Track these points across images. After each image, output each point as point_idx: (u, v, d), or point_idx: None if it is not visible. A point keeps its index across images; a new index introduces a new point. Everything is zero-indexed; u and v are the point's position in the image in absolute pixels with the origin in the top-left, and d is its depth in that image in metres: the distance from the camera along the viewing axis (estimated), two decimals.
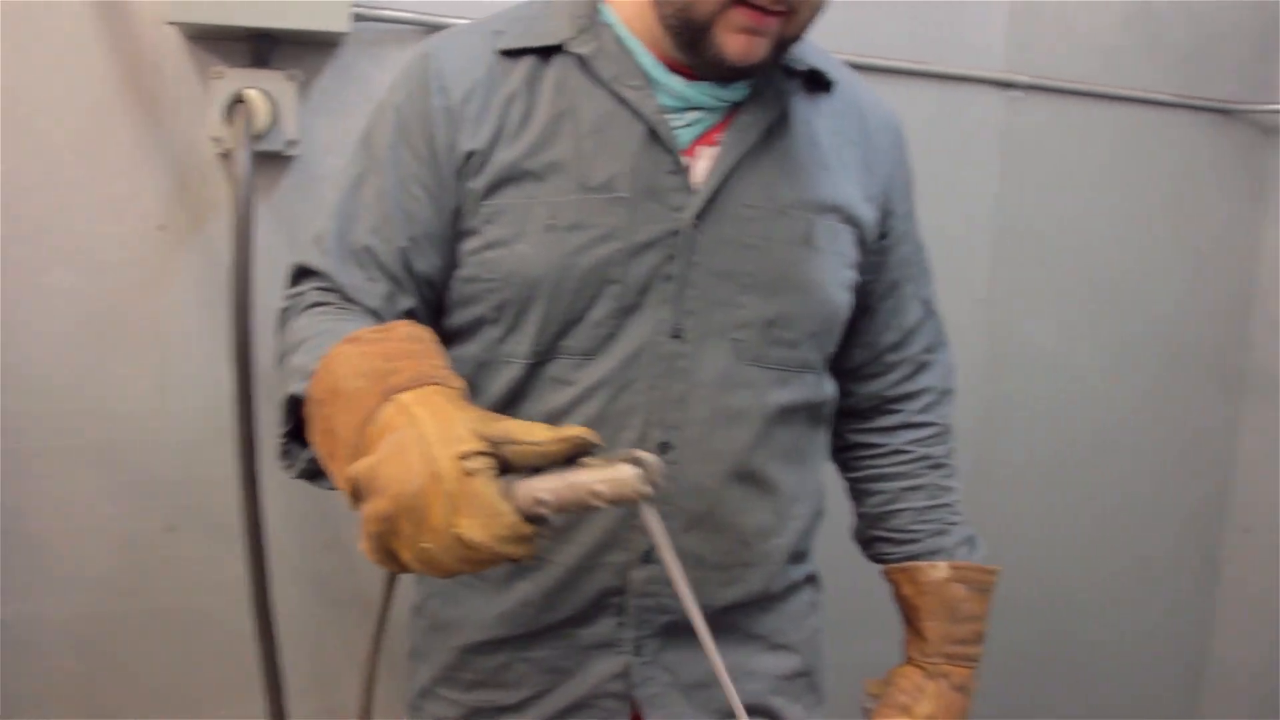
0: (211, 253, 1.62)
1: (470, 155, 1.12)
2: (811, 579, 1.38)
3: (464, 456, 0.81)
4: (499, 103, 1.13)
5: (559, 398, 1.13)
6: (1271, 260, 2.37)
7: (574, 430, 0.85)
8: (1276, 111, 2.29)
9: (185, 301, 1.64)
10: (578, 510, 0.85)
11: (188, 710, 1.72)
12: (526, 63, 1.15)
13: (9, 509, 1.62)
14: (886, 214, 1.29)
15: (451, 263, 1.16)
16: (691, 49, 1.09)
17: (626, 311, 1.12)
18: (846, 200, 1.22)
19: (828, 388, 1.29)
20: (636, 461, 0.83)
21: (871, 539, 1.40)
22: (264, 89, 1.59)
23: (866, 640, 1.57)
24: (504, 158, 1.12)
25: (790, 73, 1.19)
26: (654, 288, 1.12)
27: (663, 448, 1.13)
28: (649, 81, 1.14)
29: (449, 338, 1.19)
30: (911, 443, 1.37)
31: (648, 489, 0.83)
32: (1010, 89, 2.10)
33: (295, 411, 1.00)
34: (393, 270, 1.14)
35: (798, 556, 1.32)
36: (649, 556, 1.14)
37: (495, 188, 1.12)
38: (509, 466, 0.85)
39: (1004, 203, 2.15)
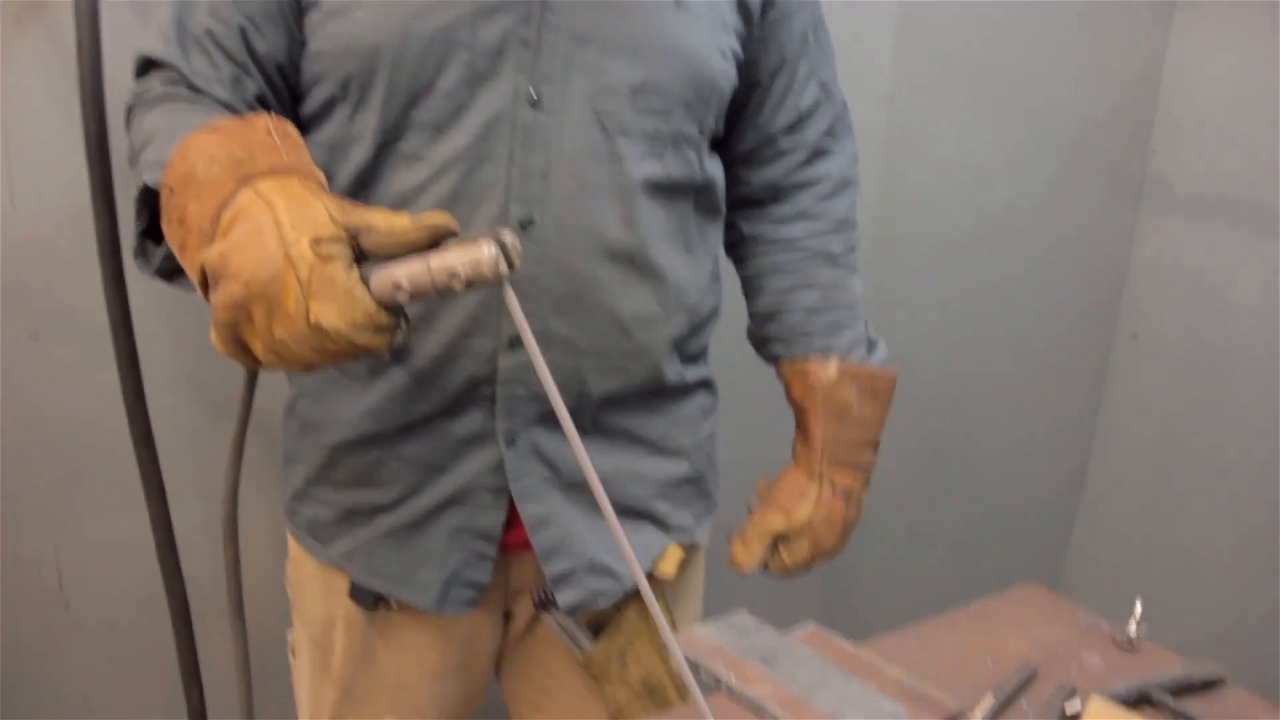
0: (56, 34, 1.47)
1: None
2: (706, 384, 1.36)
3: (320, 241, 0.79)
4: None
5: (412, 176, 1.08)
6: (1176, 68, 2.36)
7: (435, 217, 0.82)
8: None
9: (29, 90, 1.50)
10: (437, 295, 0.82)
11: (69, 521, 1.67)
12: None
13: None
14: None
15: (297, 41, 1.10)
16: None
17: (478, 79, 1.06)
18: None
19: (711, 169, 1.24)
20: (496, 240, 0.80)
21: (764, 338, 1.38)
22: None
23: (763, 444, 1.56)
24: None
25: None
26: (508, 53, 1.05)
27: (525, 225, 1.08)
28: None
29: (305, 126, 1.14)
30: (806, 236, 1.34)
31: (505, 268, 0.81)
32: None
33: (150, 206, 0.96)
34: (235, 54, 1.08)
35: (690, 356, 1.29)
36: (516, 342, 1.11)
37: None
38: (367, 256, 0.83)
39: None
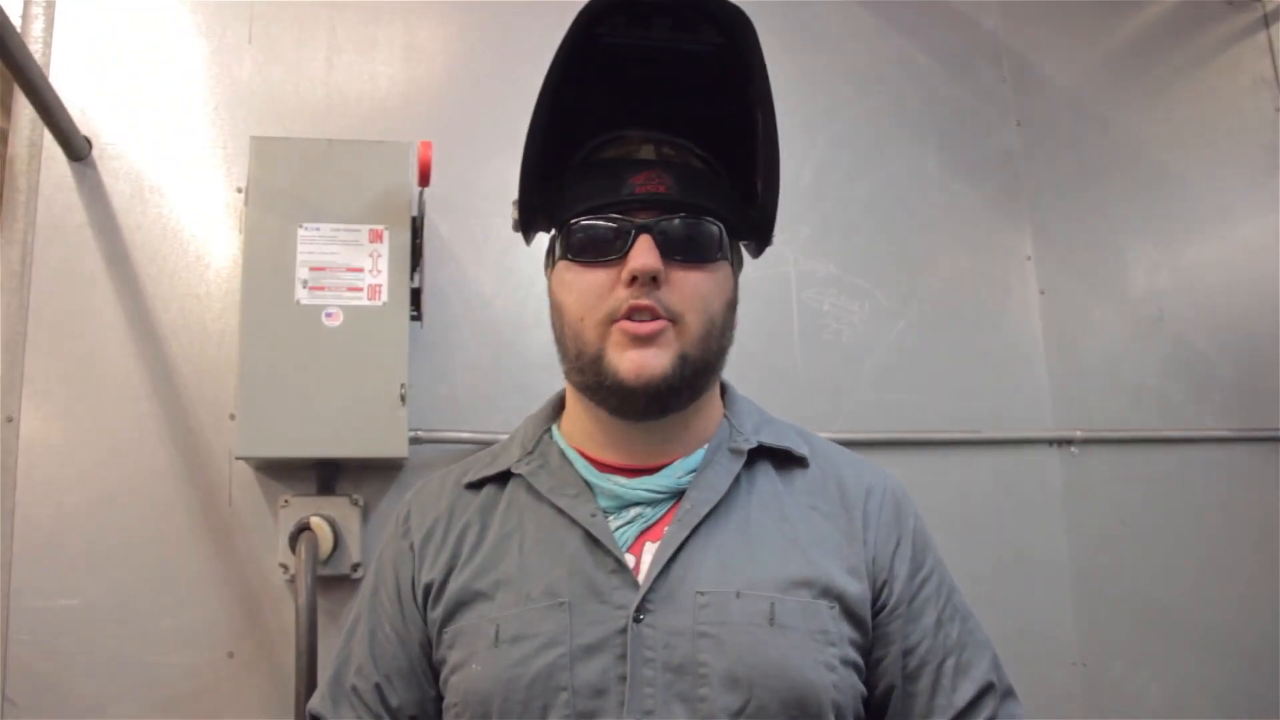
0: (280, 677, 1.68)
1: (429, 587, 1.16)
2: None
3: None
4: (455, 533, 1.18)
5: None
6: None
7: None
8: None
9: None
10: None
11: None
12: (486, 491, 1.21)
13: None
14: (882, 583, 1.18)
15: (429, 697, 1.19)
16: (598, 388, 1.11)
17: (583, 718, 1.08)
18: (821, 574, 1.13)
19: None
20: None
21: None
22: (328, 515, 1.66)
23: None
24: (457, 584, 1.15)
25: (740, 452, 1.18)
26: (609, 690, 1.07)
27: None
28: (587, 487, 1.15)
29: None
30: None
31: None
32: (1066, 445, 2.16)
33: None
34: (373, 707, 1.18)
35: None
36: None
37: (452, 614, 1.14)
38: None
39: (1078, 558, 2.15)
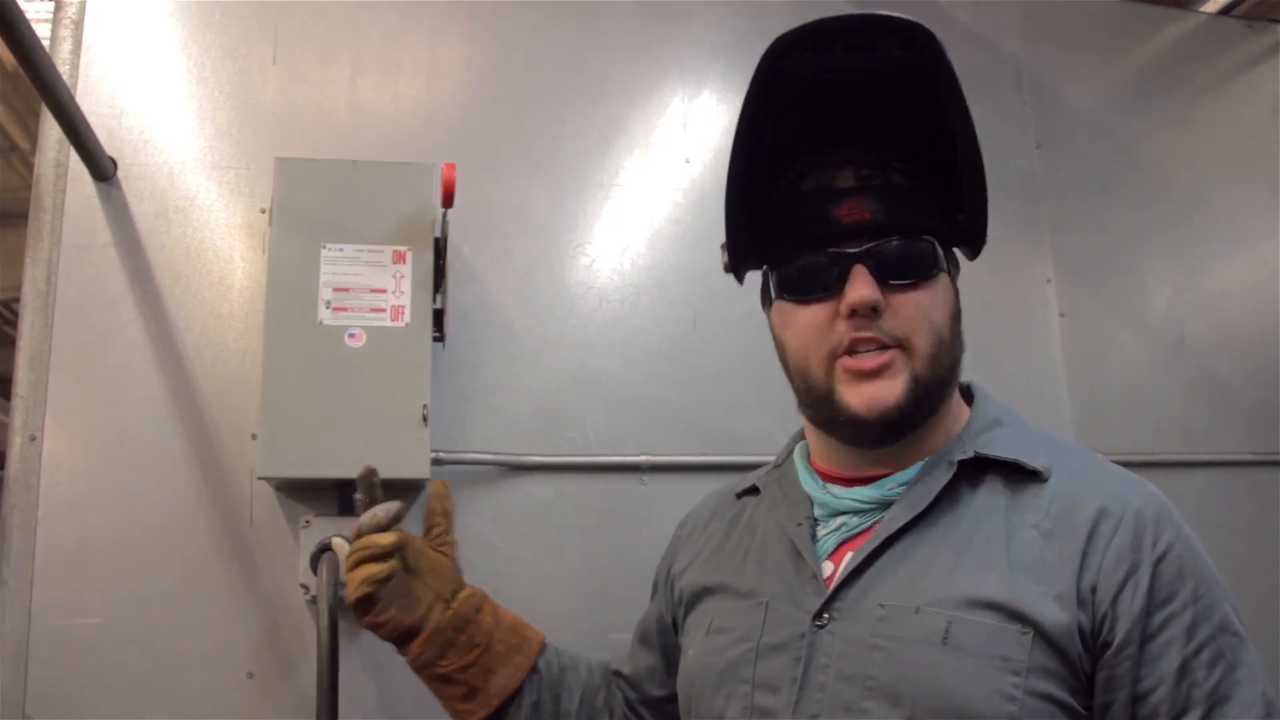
0: (300, 699, 1.68)
1: (678, 575, 1.32)
2: None
3: None
4: (706, 533, 1.32)
5: None
6: None
7: None
8: None
9: None
10: None
11: None
12: (744, 501, 1.32)
13: None
14: (1103, 617, 1.04)
15: (659, 668, 1.38)
16: (831, 423, 1.15)
17: (756, 713, 1.11)
18: (1016, 597, 1.04)
19: None
20: None
21: None
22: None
23: None
24: (693, 578, 1.28)
25: (952, 464, 1.12)
26: (783, 690, 1.10)
27: None
28: (805, 497, 1.20)
29: None
30: None
31: None
32: None
33: None
34: (625, 661, 1.43)
35: None
36: None
37: (690, 604, 1.27)
38: None
39: None
